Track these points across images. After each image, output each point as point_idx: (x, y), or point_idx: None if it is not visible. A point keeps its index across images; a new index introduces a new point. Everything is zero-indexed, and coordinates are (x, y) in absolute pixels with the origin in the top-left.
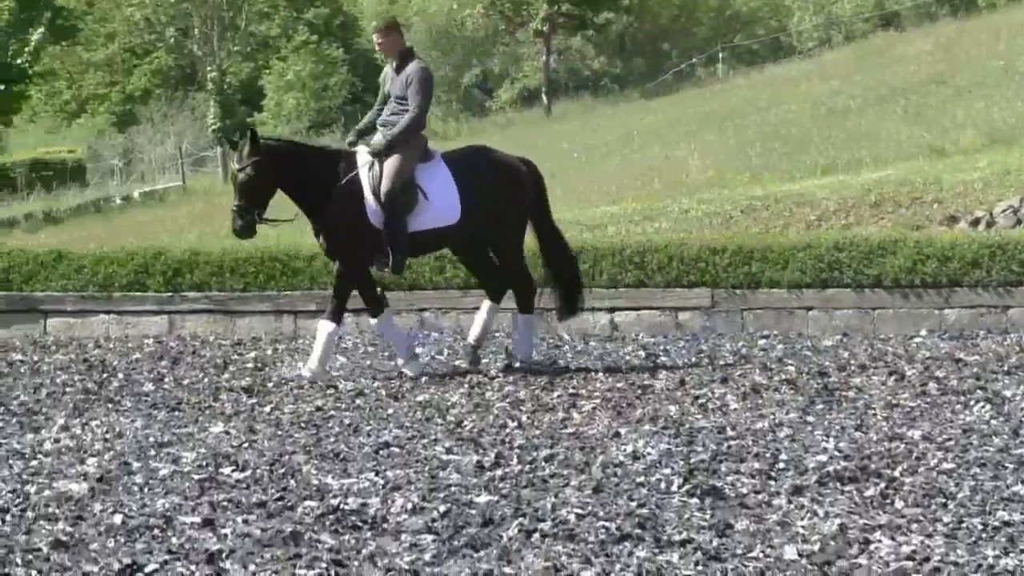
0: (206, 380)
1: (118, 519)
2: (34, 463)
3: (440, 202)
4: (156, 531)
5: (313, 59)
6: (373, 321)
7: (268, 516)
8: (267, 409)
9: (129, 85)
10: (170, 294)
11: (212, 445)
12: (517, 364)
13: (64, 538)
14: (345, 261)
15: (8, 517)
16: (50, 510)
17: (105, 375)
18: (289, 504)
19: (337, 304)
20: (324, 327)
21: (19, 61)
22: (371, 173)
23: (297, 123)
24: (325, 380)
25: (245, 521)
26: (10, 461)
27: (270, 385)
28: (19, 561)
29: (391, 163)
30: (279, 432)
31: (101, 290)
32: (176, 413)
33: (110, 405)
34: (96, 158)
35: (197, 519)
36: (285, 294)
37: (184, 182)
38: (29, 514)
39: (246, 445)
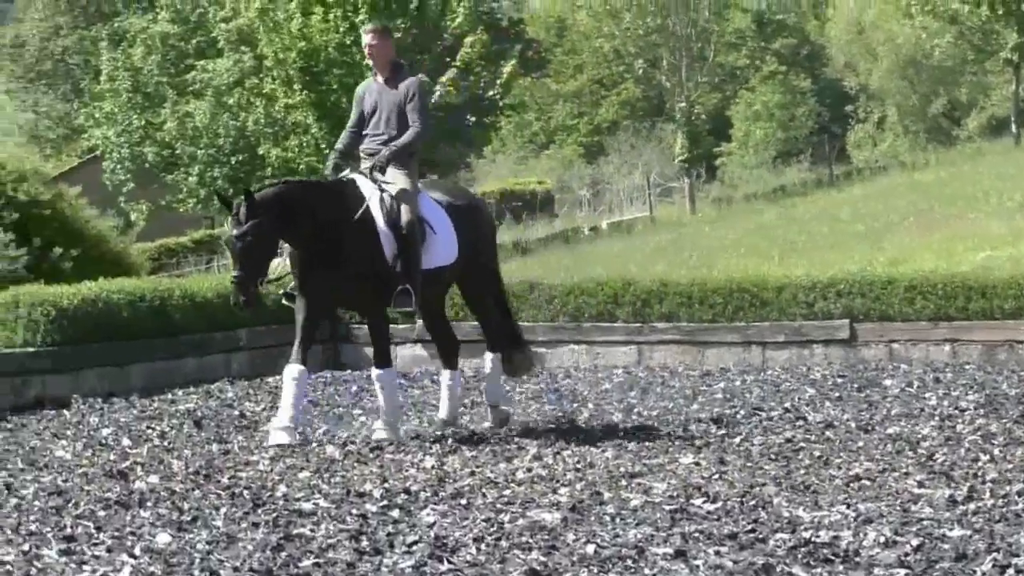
0: (675, 411)
1: (591, 549)
2: (507, 492)
3: (443, 237)
4: (628, 562)
5: (780, 89)
6: (293, 369)
7: (740, 548)
8: (737, 440)
9: (597, 116)
10: (639, 324)
11: (682, 476)
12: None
13: (538, 567)
14: (374, 303)
15: (483, 546)
16: (524, 539)
17: (575, 405)
18: (760, 536)
19: (386, 351)
20: (383, 377)
21: (491, 93)
22: (383, 204)
23: (764, 153)
24: (397, 435)
25: (717, 553)
26: (483, 490)
27: (739, 416)
28: None
29: (405, 193)
30: (749, 463)
31: (571, 320)
32: (646, 443)
33: (581, 435)
34: (564, 189)
35: (669, 550)
36: (754, 325)
37: (652, 212)
38: (503, 543)
39: (716, 476)
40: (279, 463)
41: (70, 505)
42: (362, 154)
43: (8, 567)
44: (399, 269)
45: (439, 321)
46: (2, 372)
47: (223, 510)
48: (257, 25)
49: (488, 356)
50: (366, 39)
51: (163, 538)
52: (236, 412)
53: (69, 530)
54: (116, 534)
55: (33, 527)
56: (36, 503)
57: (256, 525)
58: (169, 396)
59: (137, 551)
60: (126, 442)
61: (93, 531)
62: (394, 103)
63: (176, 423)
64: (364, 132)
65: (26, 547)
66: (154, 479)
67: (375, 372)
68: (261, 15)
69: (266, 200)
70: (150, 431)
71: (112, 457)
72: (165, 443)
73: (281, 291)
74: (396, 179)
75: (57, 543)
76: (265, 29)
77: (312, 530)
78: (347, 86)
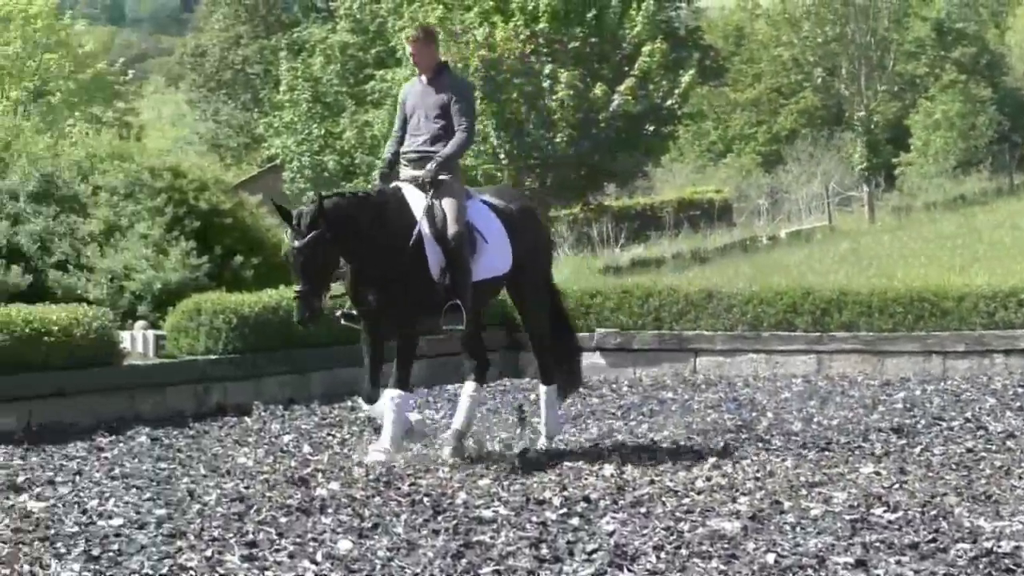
0: (855, 420)
1: (771, 558)
2: (687, 501)
3: (496, 247)
4: (809, 571)
5: (961, 98)
6: (391, 393)
7: (920, 558)
8: (917, 450)
9: (775, 125)
10: (818, 333)
11: (863, 485)
12: (543, 445)
13: None
14: (404, 320)
15: (663, 554)
16: (703, 548)
17: (755, 414)
18: (942, 546)
19: (406, 371)
20: (393, 397)
21: (669, 102)
22: (431, 214)
23: (943, 162)
24: (393, 459)
25: (898, 562)
26: (663, 498)
27: (920, 426)
28: None
29: (452, 201)
30: (930, 473)
31: (750, 329)
32: (826, 453)
33: (760, 444)
34: (742, 198)
35: (850, 559)
36: (934, 335)
37: (830, 221)
38: (683, 552)
39: (897, 486)
40: (459, 471)
41: (252, 511)
42: (403, 159)
43: (191, 572)
44: (447, 283)
45: (475, 334)
46: (184, 379)
47: (403, 517)
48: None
49: (542, 389)
50: (409, 48)
51: (344, 545)
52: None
53: (251, 536)
54: (298, 540)
55: (216, 533)
56: (219, 509)
57: (436, 532)
58: (349, 403)
59: (318, 557)
60: (307, 449)
61: (275, 537)
62: (436, 102)
63: (356, 430)
64: (407, 135)
65: (209, 552)
66: (335, 486)
67: (390, 394)
68: (440, 24)
69: (327, 210)
70: (331, 438)
71: (293, 464)
72: (345, 450)
73: (339, 312)
74: (443, 183)
75: (239, 549)
76: (445, 38)
77: (492, 537)
78: (529, 96)
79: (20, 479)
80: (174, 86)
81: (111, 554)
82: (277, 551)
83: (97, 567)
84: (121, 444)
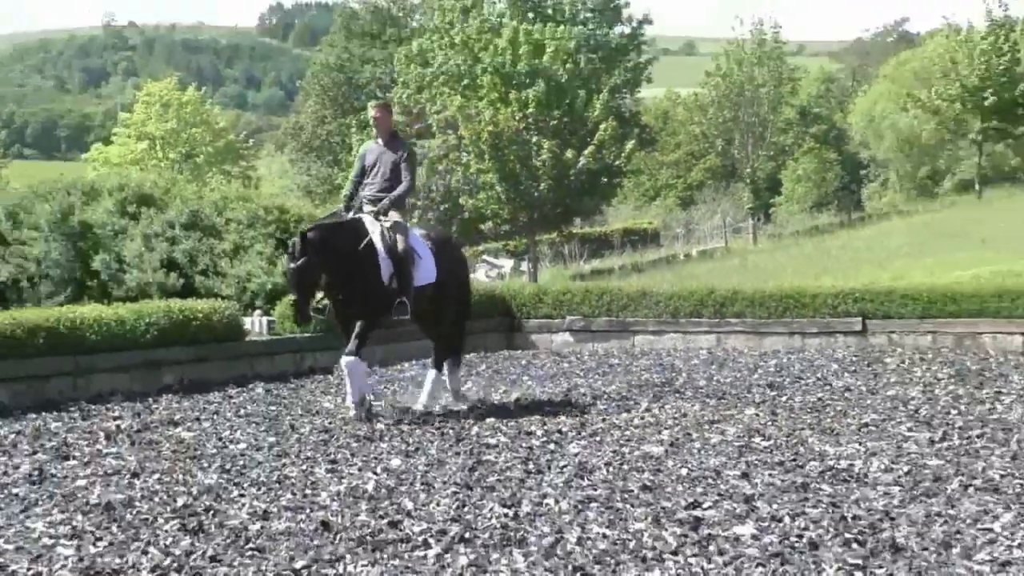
0: (742, 379)
1: (684, 471)
2: (627, 432)
3: (426, 262)
4: (709, 480)
5: (816, 160)
6: (346, 359)
7: (785, 471)
8: (784, 399)
9: (689, 178)
10: (718, 320)
11: (747, 423)
12: (420, 407)
13: (648, 484)
14: (370, 313)
15: (611, 469)
16: (639, 464)
17: (673, 374)
18: (800, 464)
19: (361, 343)
20: (351, 364)
21: (616, 163)
22: (384, 236)
23: (804, 203)
24: (363, 413)
25: (770, 475)
26: (611, 431)
27: (786, 383)
28: (618, 498)
29: (401, 227)
30: (792, 415)
31: (671, 316)
32: (722, 400)
33: (677, 394)
34: (667, 227)
35: (737, 472)
36: (796, 320)
37: (727, 244)
38: (625, 467)
39: (770, 423)
40: (473, 412)
41: (333, 439)
42: (364, 200)
43: (292, 480)
44: (395, 286)
45: (434, 328)
46: (287, 350)
47: (435, 444)
48: (455, 115)
49: (431, 373)
50: (372, 112)
51: (395, 462)
52: (444, 378)
53: (333, 455)
54: (364, 459)
55: (308, 454)
56: (311, 438)
57: (458, 454)
58: (399, 367)
59: (378, 470)
60: (370, 397)
61: (349, 456)
62: (390, 161)
63: (404, 385)
64: (365, 182)
65: (304, 467)
66: (389, 422)
67: (345, 359)
68: (459, 109)
69: (313, 240)
70: (387, 390)
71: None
72: (396, 398)
73: (312, 308)
74: (393, 217)
75: (324, 464)
76: (463, 119)
77: (496, 457)
78: (521, 158)
79: (176, 417)
80: (280, 151)
81: (238, 468)
82: (351, 466)
83: (228, 476)
84: (244, 394)
